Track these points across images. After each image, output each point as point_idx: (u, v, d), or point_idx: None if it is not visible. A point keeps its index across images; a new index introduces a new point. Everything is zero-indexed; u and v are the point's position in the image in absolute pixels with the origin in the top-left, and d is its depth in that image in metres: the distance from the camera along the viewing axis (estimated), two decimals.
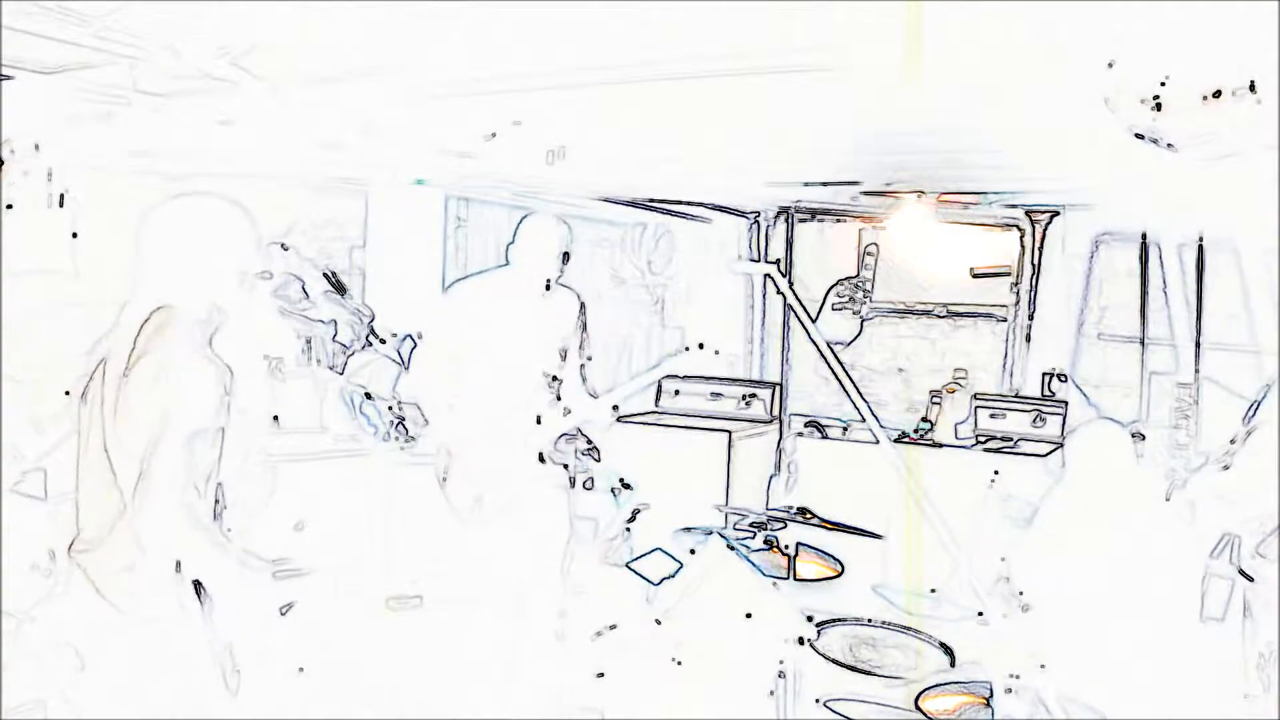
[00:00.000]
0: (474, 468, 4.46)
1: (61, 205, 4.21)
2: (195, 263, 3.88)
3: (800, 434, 4.84)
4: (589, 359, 4.59)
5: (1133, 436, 4.17)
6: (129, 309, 3.88)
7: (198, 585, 3.86)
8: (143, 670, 3.94)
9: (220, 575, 3.88)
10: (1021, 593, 4.11)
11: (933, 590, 4.25)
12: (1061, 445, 4.33)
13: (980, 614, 4.15)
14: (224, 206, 3.94)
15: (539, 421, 4.44)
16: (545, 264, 4.45)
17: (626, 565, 4.47)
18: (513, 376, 4.49)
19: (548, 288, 4.47)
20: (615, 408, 4.63)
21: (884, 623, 4.26)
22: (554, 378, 4.51)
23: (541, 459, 4.48)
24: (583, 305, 4.57)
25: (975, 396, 4.61)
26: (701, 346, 4.76)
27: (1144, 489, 4.07)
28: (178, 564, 3.82)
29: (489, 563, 4.44)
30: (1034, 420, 4.49)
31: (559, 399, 4.51)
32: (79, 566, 3.86)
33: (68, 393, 3.96)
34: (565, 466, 4.51)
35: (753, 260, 4.96)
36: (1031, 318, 4.57)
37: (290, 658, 4.16)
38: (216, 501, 3.92)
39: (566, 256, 4.49)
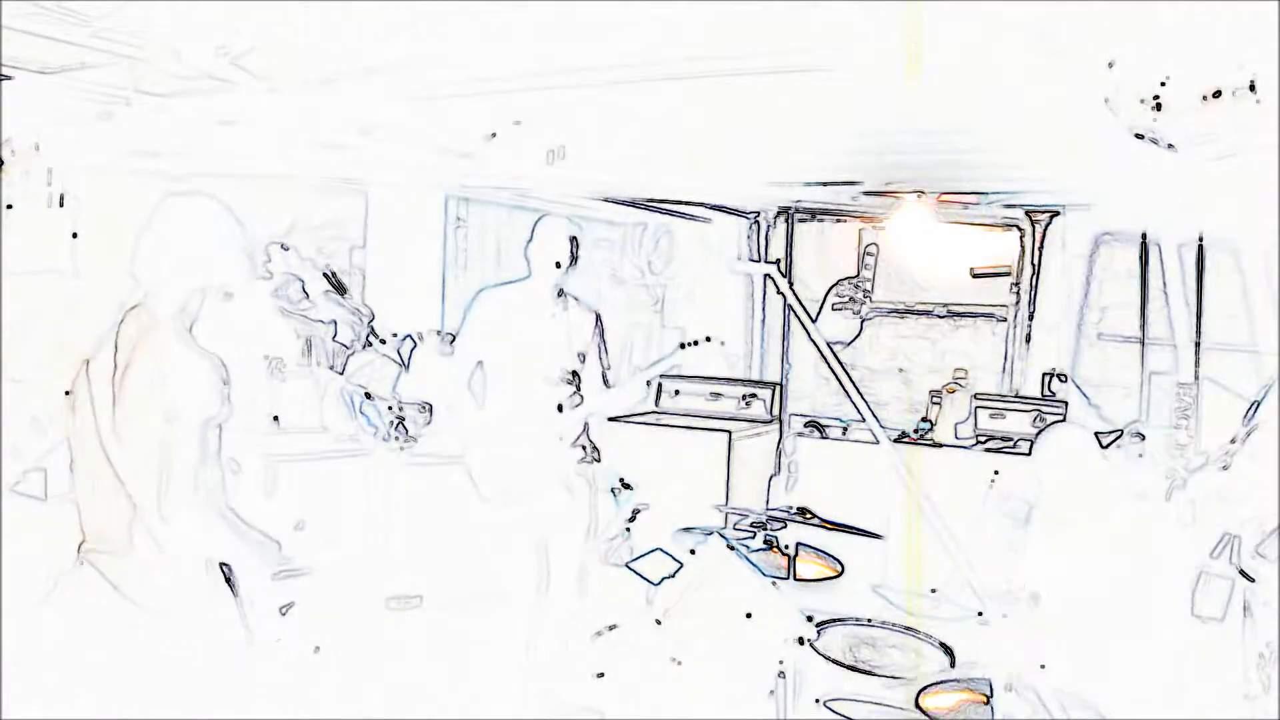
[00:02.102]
0: (503, 461, 4.49)
1: (61, 205, 4.21)
2: (177, 263, 3.89)
3: (800, 434, 4.84)
4: (608, 368, 4.64)
5: (1133, 436, 4.18)
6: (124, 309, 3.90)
7: (228, 576, 3.87)
8: (140, 669, 3.94)
9: (245, 563, 3.89)
10: (1022, 591, 4.11)
11: (933, 590, 4.25)
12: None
13: (980, 614, 4.15)
14: (214, 208, 3.96)
15: (560, 409, 4.50)
16: (560, 259, 4.52)
17: (626, 565, 4.47)
18: (535, 376, 4.53)
19: (558, 265, 4.51)
20: (647, 383, 4.70)
21: (884, 623, 4.26)
22: (574, 373, 4.55)
23: (585, 449, 4.54)
24: (599, 318, 4.62)
25: (975, 396, 4.61)
26: (709, 339, 4.78)
27: (1143, 484, 4.07)
28: (206, 559, 3.84)
29: (490, 562, 4.44)
30: (1034, 420, 4.49)
31: (577, 390, 4.56)
32: (92, 566, 3.86)
33: (68, 393, 3.96)
34: (584, 449, 4.55)
35: (753, 260, 4.96)
36: (1031, 318, 4.57)
37: (290, 657, 4.16)
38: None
39: (575, 241, 4.54)
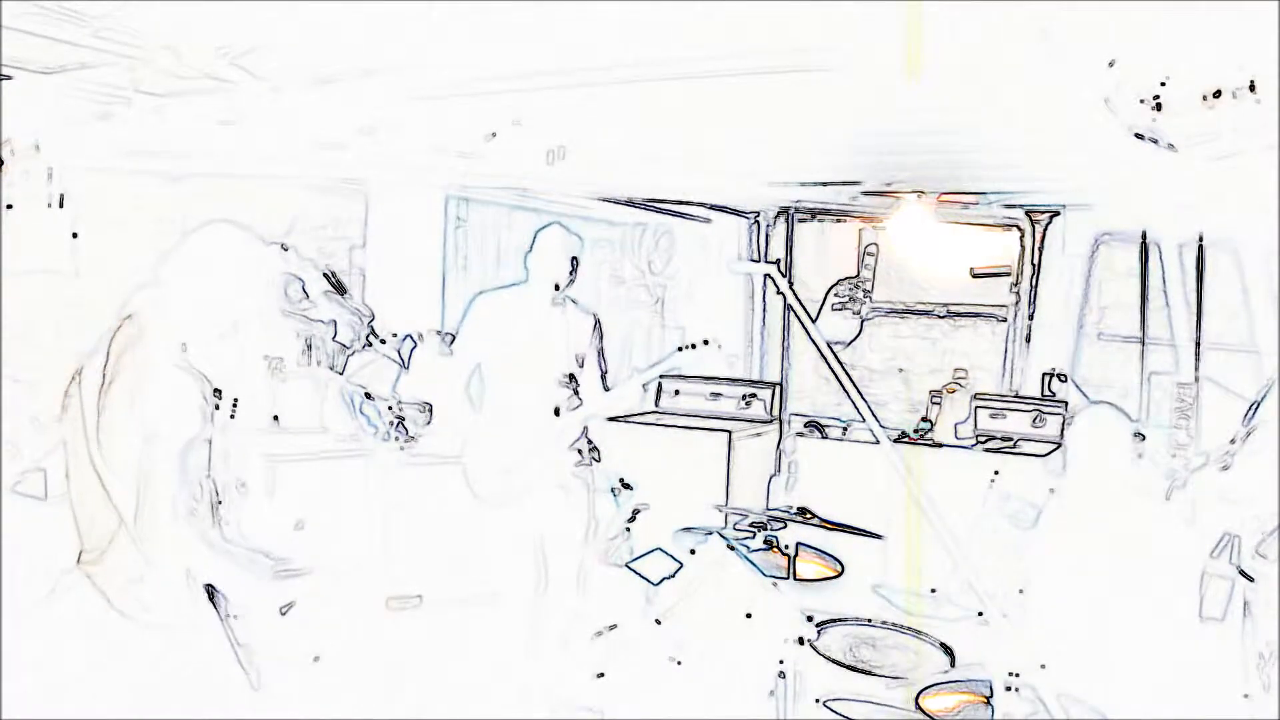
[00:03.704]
0: (498, 462, 4.48)
1: (61, 205, 4.21)
2: (208, 296, 3.91)
3: (800, 434, 4.84)
4: (606, 372, 4.63)
5: (1133, 436, 4.18)
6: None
7: (211, 592, 3.87)
8: (140, 669, 3.94)
9: (227, 579, 3.89)
10: (1021, 591, 4.11)
11: (933, 590, 4.25)
12: (1060, 445, 4.34)
13: (980, 614, 4.15)
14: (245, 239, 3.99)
15: (557, 413, 4.49)
16: (559, 270, 4.52)
17: (626, 565, 4.47)
18: (533, 379, 4.53)
19: (557, 288, 4.51)
20: (645, 387, 4.70)
21: (884, 623, 4.26)
22: (570, 376, 4.55)
23: (581, 453, 4.53)
24: (598, 323, 4.62)
25: (975, 396, 4.61)
26: (706, 343, 4.77)
27: (1143, 484, 4.07)
28: (187, 572, 3.84)
29: (490, 562, 4.44)
30: (1034, 420, 4.49)
31: (575, 394, 4.55)
32: (88, 578, 3.86)
33: (68, 393, 3.97)
34: (580, 453, 4.54)
35: (753, 260, 4.96)
36: (1031, 318, 4.57)
37: (290, 657, 4.16)
38: (216, 501, 3.93)
39: (575, 261, 4.54)
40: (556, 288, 4.53)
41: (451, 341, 4.54)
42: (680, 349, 4.81)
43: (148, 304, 3.92)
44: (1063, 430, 4.32)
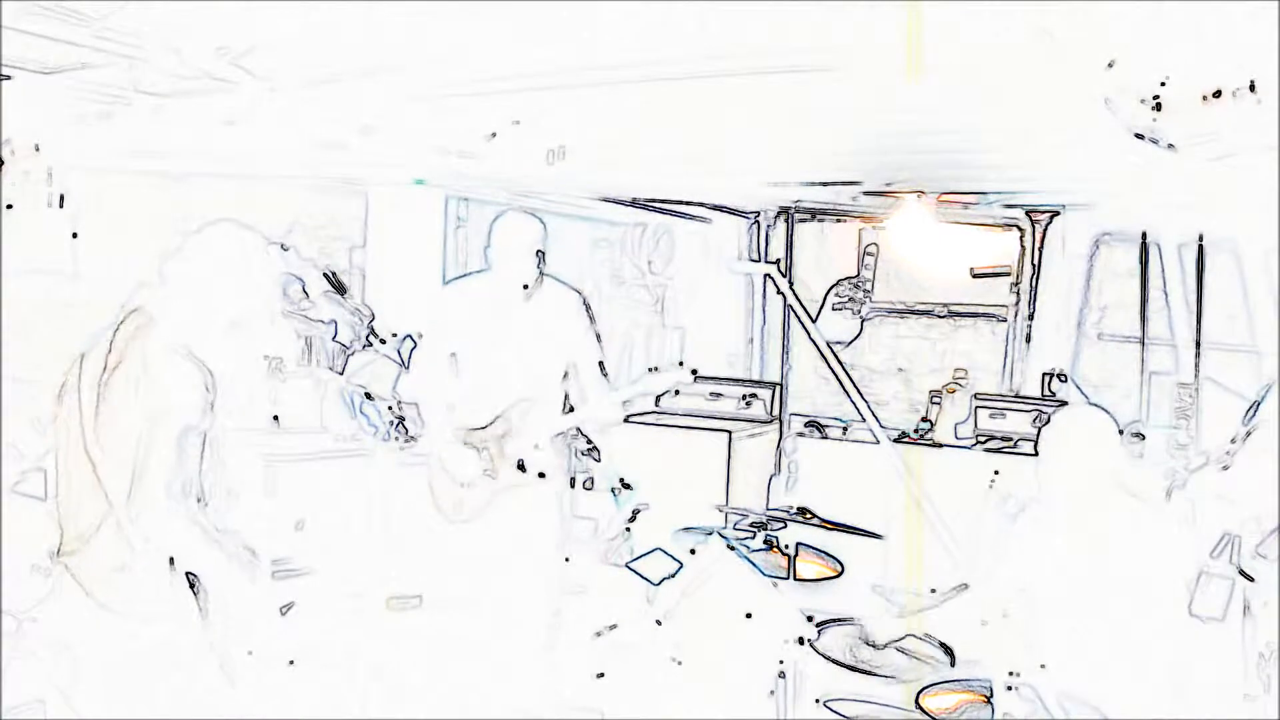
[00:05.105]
0: (455, 477, 4.45)
1: (61, 205, 4.21)
2: (210, 292, 3.92)
3: (800, 434, 4.83)
4: (603, 360, 4.58)
5: (1133, 436, 4.17)
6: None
7: (192, 583, 3.86)
8: (139, 669, 3.94)
9: (217, 571, 3.89)
10: (1022, 591, 4.11)
11: (933, 590, 4.25)
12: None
13: (980, 614, 4.15)
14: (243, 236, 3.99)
15: (522, 468, 4.43)
16: (522, 262, 4.44)
17: (626, 565, 4.47)
18: (502, 377, 4.49)
19: (525, 288, 4.46)
20: (626, 403, 4.64)
21: (884, 623, 4.26)
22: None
23: (522, 467, 4.46)
24: (587, 303, 4.57)
25: (975, 396, 4.61)
26: (681, 364, 4.75)
27: (1143, 484, 4.07)
28: (171, 561, 3.83)
29: (489, 562, 4.44)
30: (1034, 420, 4.48)
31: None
32: (67, 570, 3.86)
33: (65, 381, 3.97)
34: (541, 475, 4.48)
35: (753, 260, 4.96)
36: (1031, 318, 4.57)
37: (290, 657, 4.16)
38: (199, 500, 3.94)
39: (541, 255, 4.47)
40: (525, 287, 4.44)
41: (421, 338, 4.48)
42: (655, 368, 4.76)
43: (151, 302, 3.92)
44: (1039, 431, 4.31)
